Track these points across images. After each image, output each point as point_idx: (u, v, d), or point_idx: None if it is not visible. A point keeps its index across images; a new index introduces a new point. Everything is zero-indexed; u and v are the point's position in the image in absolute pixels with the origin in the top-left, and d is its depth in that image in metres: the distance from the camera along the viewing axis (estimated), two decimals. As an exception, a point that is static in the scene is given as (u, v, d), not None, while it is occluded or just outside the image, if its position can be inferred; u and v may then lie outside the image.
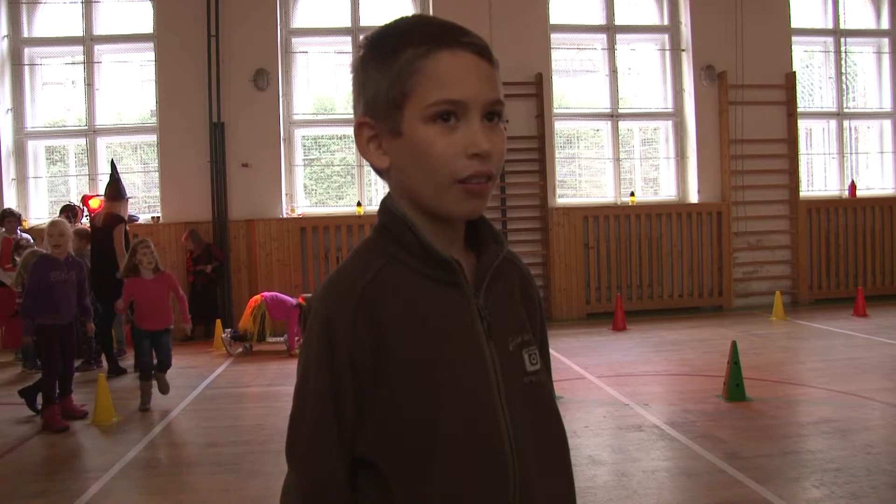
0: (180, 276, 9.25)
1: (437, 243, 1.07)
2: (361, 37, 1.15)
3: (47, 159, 10.89)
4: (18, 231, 8.53)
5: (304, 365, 1.09)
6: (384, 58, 1.05)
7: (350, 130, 9.29)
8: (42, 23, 10.57)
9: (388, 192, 1.13)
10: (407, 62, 1.03)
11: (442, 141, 1.03)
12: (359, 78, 1.10)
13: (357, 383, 1.04)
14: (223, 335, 8.82)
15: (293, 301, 8.71)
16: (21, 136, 10.45)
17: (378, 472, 1.05)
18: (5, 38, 10.30)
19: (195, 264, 9.80)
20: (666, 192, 11.45)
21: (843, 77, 11.79)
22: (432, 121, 1.03)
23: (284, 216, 10.37)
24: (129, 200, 8.24)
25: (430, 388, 1.04)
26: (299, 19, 10.73)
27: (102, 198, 8.28)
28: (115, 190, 7.88)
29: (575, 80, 12.06)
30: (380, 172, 1.12)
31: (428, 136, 1.03)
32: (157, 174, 10.43)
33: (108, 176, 8.15)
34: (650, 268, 10.90)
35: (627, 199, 11.02)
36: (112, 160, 8.68)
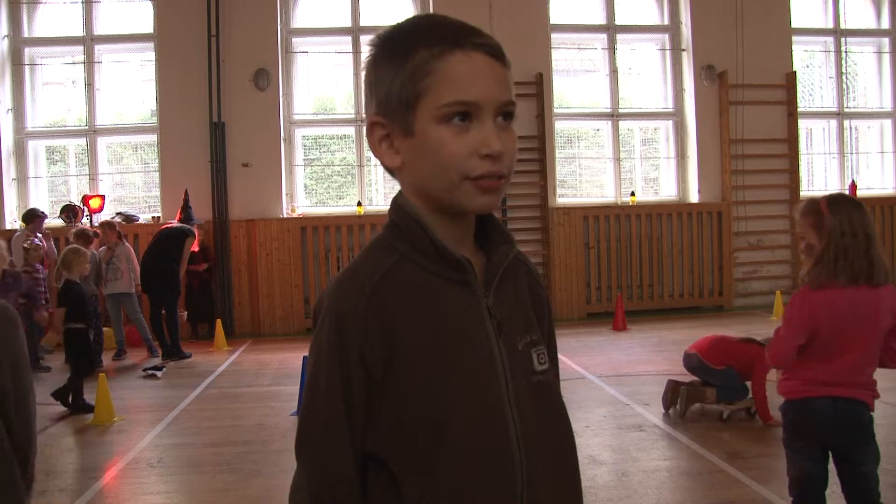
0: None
1: (448, 241, 1.07)
2: (373, 35, 1.14)
3: (47, 159, 10.90)
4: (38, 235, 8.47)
5: (315, 363, 1.09)
6: (397, 57, 1.05)
7: (350, 130, 9.35)
8: (42, 23, 10.57)
9: (400, 191, 1.13)
10: (420, 62, 1.03)
11: (454, 141, 1.03)
12: (371, 77, 1.09)
13: (367, 381, 1.05)
14: None
15: None
16: (21, 135, 10.45)
17: (387, 469, 1.05)
18: (5, 38, 10.30)
19: (190, 263, 9.78)
20: (666, 191, 11.44)
21: (844, 77, 11.78)
22: (445, 121, 1.03)
23: (285, 216, 10.37)
24: (196, 226, 9.30)
25: (440, 386, 1.04)
26: (299, 19, 10.73)
27: (177, 220, 9.39)
28: (186, 217, 9.28)
29: (575, 79, 12.05)
30: (391, 171, 1.12)
31: (441, 136, 1.03)
32: (157, 174, 10.44)
33: (183, 201, 9.54)
34: (650, 268, 10.89)
35: (628, 199, 11.02)
36: (186, 190, 9.62)
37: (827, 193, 2.75)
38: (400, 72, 1.04)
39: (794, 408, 2.69)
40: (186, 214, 9.37)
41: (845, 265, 2.53)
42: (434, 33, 1.05)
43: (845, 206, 2.59)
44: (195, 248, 9.17)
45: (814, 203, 2.65)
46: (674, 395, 5.39)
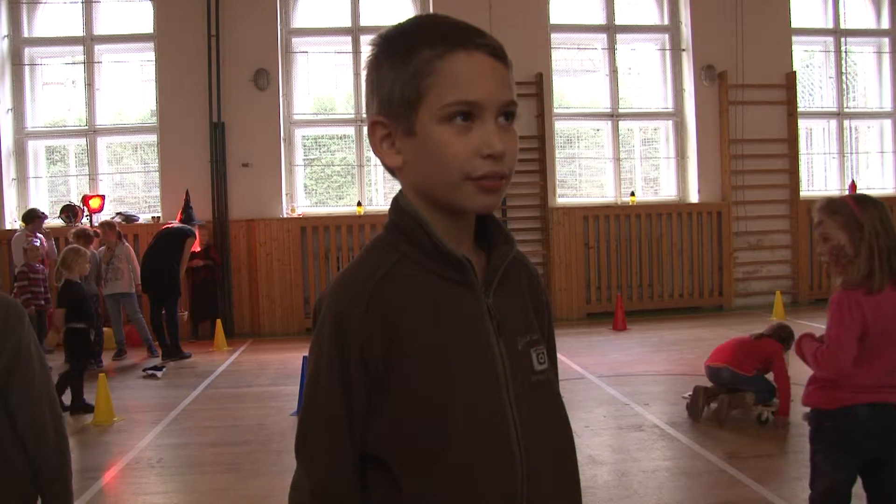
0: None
1: (448, 241, 1.07)
2: (373, 35, 1.14)
3: (47, 159, 10.90)
4: (38, 234, 8.47)
5: (315, 362, 1.09)
6: (399, 57, 1.05)
7: (350, 130, 9.35)
8: (42, 23, 10.57)
9: (401, 190, 1.13)
10: (422, 63, 1.03)
11: (456, 141, 1.03)
12: (373, 76, 1.09)
13: (367, 380, 1.05)
14: None
15: None
16: (21, 136, 10.45)
17: (387, 468, 1.05)
18: (5, 38, 10.30)
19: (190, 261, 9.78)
20: (666, 191, 11.45)
21: (844, 77, 11.78)
22: (447, 121, 1.03)
23: (285, 216, 10.37)
24: (197, 227, 9.37)
25: (440, 385, 1.04)
26: (299, 19, 10.73)
27: (178, 220, 9.45)
28: (187, 217, 9.37)
29: (575, 79, 12.06)
30: (392, 171, 1.12)
31: (442, 136, 1.03)
32: (157, 174, 10.44)
33: (184, 202, 9.61)
34: (650, 268, 10.89)
35: (628, 199, 11.02)
36: (187, 190, 9.67)
37: (846, 193, 2.68)
38: (402, 72, 1.04)
39: (834, 418, 2.50)
40: (187, 215, 9.39)
41: (891, 265, 2.46)
42: (436, 33, 1.05)
43: (874, 205, 2.50)
44: (196, 247, 9.19)
45: (840, 203, 2.54)
46: (704, 401, 5.17)
